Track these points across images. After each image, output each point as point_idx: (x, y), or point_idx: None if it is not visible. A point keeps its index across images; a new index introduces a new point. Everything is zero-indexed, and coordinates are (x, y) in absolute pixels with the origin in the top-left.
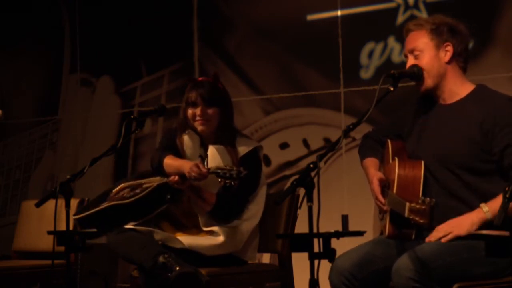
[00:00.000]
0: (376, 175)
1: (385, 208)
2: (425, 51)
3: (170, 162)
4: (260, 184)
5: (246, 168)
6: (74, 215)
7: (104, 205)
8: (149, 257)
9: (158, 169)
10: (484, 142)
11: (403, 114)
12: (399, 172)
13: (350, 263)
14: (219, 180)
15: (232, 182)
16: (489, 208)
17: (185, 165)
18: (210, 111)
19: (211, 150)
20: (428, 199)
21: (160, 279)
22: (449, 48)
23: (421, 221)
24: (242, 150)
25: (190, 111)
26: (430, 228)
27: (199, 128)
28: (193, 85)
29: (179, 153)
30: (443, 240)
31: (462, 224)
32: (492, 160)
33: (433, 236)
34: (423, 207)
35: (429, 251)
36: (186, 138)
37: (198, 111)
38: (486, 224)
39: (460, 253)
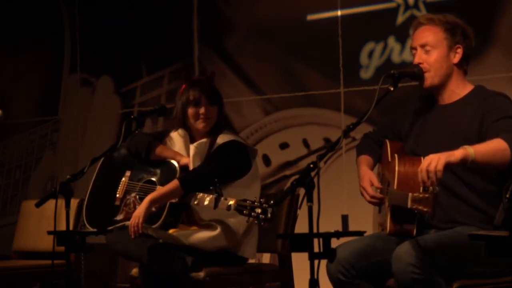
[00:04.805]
0: (367, 174)
1: (378, 196)
2: (437, 48)
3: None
4: (249, 179)
5: (216, 155)
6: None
7: (127, 222)
8: (147, 252)
9: (138, 153)
10: (480, 138)
11: (403, 114)
12: (399, 169)
13: (349, 253)
14: (247, 219)
15: (262, 222)
16: (473, 149)
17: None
18: (212, 109)
19: (192, 150)
20: (430, 187)
21: (160, 275)
22: (460, 50)
23: (425, 209)
24: (221, 140)
25: (192, 110)
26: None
27: (201, 126)
28: (193, 84)
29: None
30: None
31: (441, 155)
32: None
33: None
34: (426, 195)
35: (431, 241)
36: (175, 135)
37: (202, 109)
38: (486, 222)
39: (462, 247)
